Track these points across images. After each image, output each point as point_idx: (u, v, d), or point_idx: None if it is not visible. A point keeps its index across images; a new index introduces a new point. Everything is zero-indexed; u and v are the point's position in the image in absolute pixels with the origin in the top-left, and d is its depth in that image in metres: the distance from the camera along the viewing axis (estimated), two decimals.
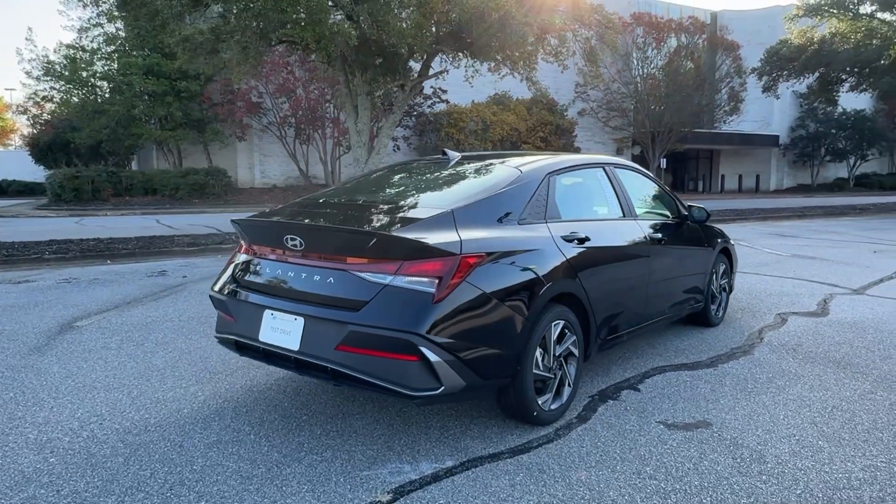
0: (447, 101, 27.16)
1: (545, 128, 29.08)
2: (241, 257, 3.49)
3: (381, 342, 2.75)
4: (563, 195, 3.76)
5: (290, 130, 25.57)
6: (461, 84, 21.32)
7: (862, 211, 20.31)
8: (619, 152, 36.01)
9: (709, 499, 2.61)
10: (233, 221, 3.48)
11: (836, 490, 2.68)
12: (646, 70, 32.30)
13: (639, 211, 4.41)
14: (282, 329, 3.07)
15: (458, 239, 2.91)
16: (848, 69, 23.07)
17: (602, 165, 4.30)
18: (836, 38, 22.19)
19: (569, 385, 3.45)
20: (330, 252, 3.01)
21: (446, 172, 3.90)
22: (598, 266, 3.68)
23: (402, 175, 4.11)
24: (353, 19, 9.41)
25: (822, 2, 22.15)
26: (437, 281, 2.77)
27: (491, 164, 3.87)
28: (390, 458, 2.96)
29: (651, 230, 4.36)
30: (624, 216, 4.22)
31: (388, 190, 3.90)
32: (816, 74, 25.29)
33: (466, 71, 14.13)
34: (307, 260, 3.08)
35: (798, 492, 2.67)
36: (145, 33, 21.03)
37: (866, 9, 22.24)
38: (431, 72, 12.31)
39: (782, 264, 9.05)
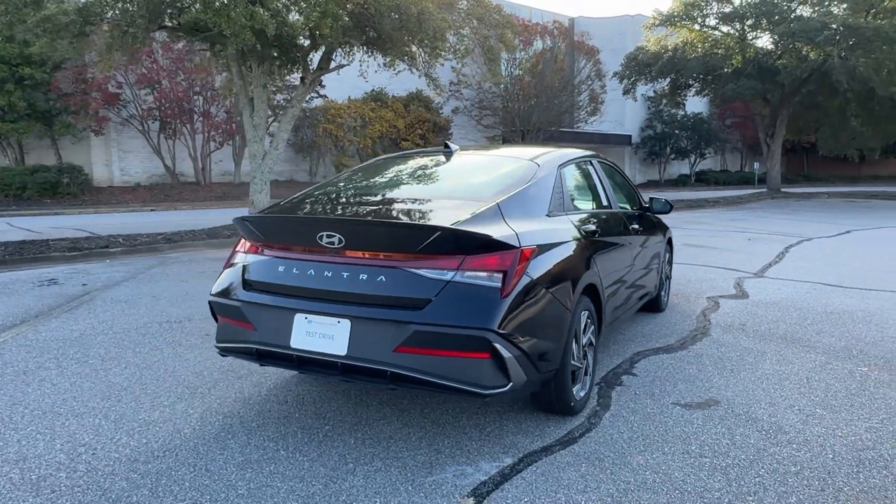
0: (325, 97, 26.52)
1: (423, 125, 29.31)
2: (251, 258, 3.17)
3: (449, 341, 2.63)
4: (571, 188, 3.81)
5: (155, 124, 23.65)
6: (337, 79, 20.77)
7: (715, 203, 22.54)
8: None
9: (763, 470, 2.77)
10: (239, 219, 3.16)
11: (859, 451, 2.96)
12: (514, 71, 33.57)
13: (617, 202, 4.59)
14: (321, 334, 2.84)
15: (514, 232, 2.85)
16: (695, 75, 25.48)
17: (590, 158, 4.41)
18: (687, 47, 24.44)
19: (589, 374, 3.51)
20: (377, 249, 2.82)
21: (458, 165, 3.82)
22: (605, 257, 3.78)
23: (413, 167, 3.97)
24: (263, 5, 8.85)
25: (675, 13, 24.29)
26: (502, 275, 2.70)
27: (500, 156, 3.85)
28: (446, 462, 2.85)
29: (628, 220, 4.55)
30: (611, 207, 4.36)
31: (408, 183, 3.75)
32: (668, 79, 27.61)
33: (361, 66, 13.86)
34: (347, 258, 2.87)
35: (831, 456, 2.91)
36: None
37: (711, 21, 24.70)
38: (332, 65, 11.94)
39: (679, 252, 9.81)
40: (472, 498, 2.54)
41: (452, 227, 2.70)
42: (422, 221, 2.88)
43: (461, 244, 2.70)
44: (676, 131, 43.77)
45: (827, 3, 22.08)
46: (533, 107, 33.46)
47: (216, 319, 3.33)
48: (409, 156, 4.25)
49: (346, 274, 2.84)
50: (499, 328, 2.61)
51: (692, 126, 43.42)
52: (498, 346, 2.62)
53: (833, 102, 26.12)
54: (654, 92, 33.91)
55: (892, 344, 4.72)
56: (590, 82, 35.61)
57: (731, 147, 47.54)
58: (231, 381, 3.87)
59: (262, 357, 3.05)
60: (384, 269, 2.78)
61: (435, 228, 2.69)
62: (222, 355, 3.33)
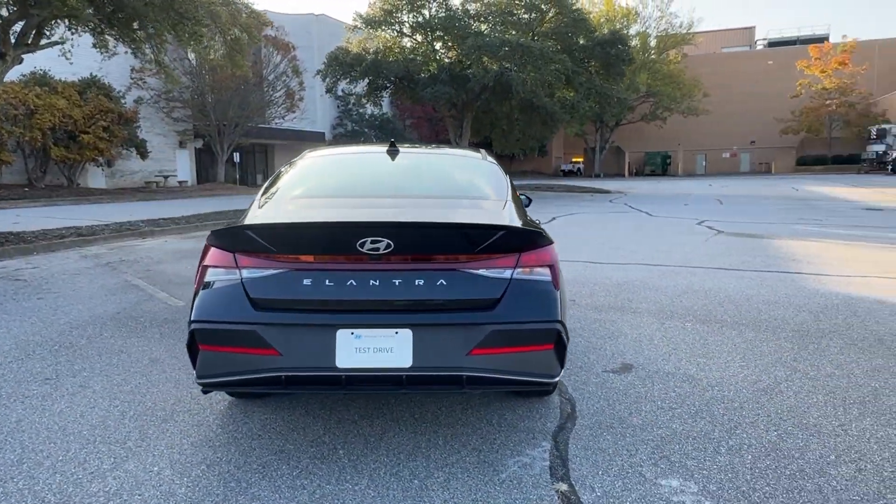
0: None
1: (106, 116, 25.65)
2: (256, 273, 2.71)
3: (523, 337, 2.69)
4: None
5: None
6: None
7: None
8: (181, 145, 34.29)
9: (695, 403, 3.45)
10: (245, 227, 2.68)
11: (753, 382, 3.85)
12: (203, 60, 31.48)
13: None
14: (376, 348, 2.61)
15: (540, 226, 3.00)
16: (395, 79, 27.29)
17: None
18: (388, 51, 26.04)
19: None
20: (431, 251, 2.70)
21: (423, 161, 3.77)
22: None
23: (377, 164, 3.78)
24: None
25: (375, 17, 25.66)
26: (550, 269, 2.84)
27: (451, 153, 3.91)
28: (497, 458, 2.89)
29: None
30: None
31: (394, 182, 3.61)
32: (366, 80, 29.01)
33: (65, 45, 11.68)
34: (396, 263, 2.68)
35: (734, 389, 3.74)
36: None
37: (407, 29, 26.71)
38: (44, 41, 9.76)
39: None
40: (562, 483, 2.66)
41: (512, 225, 2.74)
42: (473, 221, 2.84)
43: (517, 242, 2.76)
44: (366, 129, 46.08)
45: (500, 26, 25.70)
46: (229, 100, 31.87)
47: (194, 351, 2.76)
48: (365, 152, 4.03)
49: (398, 281, 2.66)
50: (561, 319, 2.77)
51: (379, 125, 46.22)
52: (563, 336, 2.77)
53: (503, 108, 30.42)
54: (343, 91, 35.30)
55: (690, 303, 6.02)
56: (286, 79, 35.30)
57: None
58: (198, 404, 3.21)
59: (293, 384, 2.66)
60: (442, 273, 2.69)
61: (498, 228, 2.70)
62: (205, 392, 2.78)
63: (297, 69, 33.69)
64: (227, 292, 2.71)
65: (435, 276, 2.68)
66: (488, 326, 2.64)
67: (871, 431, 3.13)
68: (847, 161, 52.52)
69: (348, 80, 27.65)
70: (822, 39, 60.87)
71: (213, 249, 2.84)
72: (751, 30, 70.78)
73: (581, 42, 26.45)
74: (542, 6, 26.34)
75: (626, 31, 44.82)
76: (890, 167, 43.15)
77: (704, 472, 2.75)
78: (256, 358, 2.65)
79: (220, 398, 3.59)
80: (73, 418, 3.33)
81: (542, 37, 26.41)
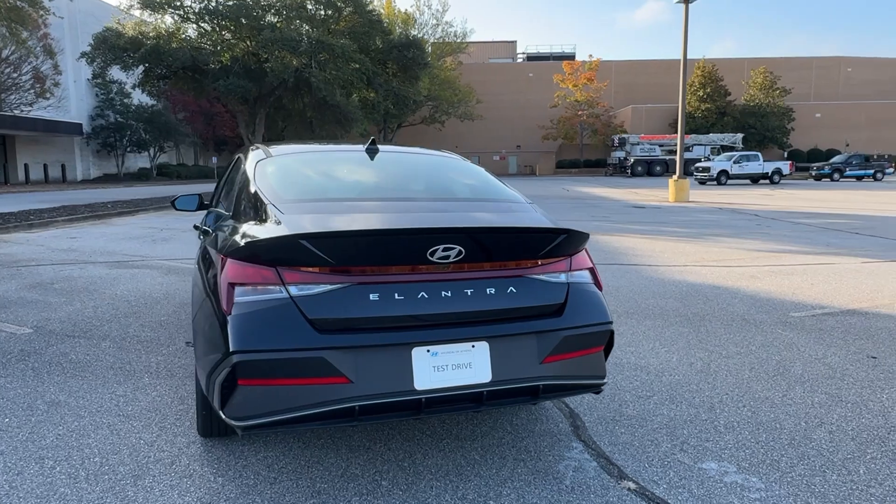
0: None
1: None
2: (311, 289, 2.31)
3: (586, 341, 2.67)
4: None
5: None
6: None
7: None
8: None
9: (666, 384, 3.78)
10: (299, 236, 2.25)
11: (706, 364, 4.28)
12: None
13: None
14: (454, 364, 2.41)
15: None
16: (179, 68, 24.96)
17: None
18: (171, 37, 23.67)
19: None
20: (500, 258, 2.55)
21: (416, 161, 3.52)
22: None
23: (369, 164, 3.48)
24: None
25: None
26: (591, 271, 2.86)
27: (440, 154, 3.79)
28: (546, 466, 2.85)
29: None
30: None
31: (424, 183, 3.40)
32: (143, 68, 26.16)
33: None
34: (465, 272, 2.48)
35: (686, 371, 4.14)
36: None
37: (191, 15, 24.55)
38: None
39: None
40: (626, 481, 2.71)
41: (570, 228, 2.69)
42: (535, 225, 2.72)
43: (571, 245, 2.73)
44: (133, 122, 41.46)
45: (296, 20, 24.91)
46: None
47: (229, 387, 2.27)
48: (340, 150, 3.59)
49: (469, 290, 2.47)
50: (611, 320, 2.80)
51: (149, 118, 41.92)
52: (613, 336, 2.81)
53: (297, 105, 29.60)
54: (101, 77, 31.34)
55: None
56: (33, 60, 30.29)
57: (190, 141, 47.85)
58: (182, 448, 2.60)
59: (367, 414, 2.32)
60: (511, 280, 2.56)
61: (558, 231, 2.63)
62: (243, 432, 2.32)
63: (50, 49, 29.08)
64: (277, 314, 2.28)
65: (505, 284, 2.55)
66: (560, 332, 2.59)
67: (809, 398, 3.67)
68: (595, 165, 60.30)
69: (121, 65, 24.67)
70: (571, 57, 69.06)
71: (239, 263, 2.38)
72: (513, 44, 77.71)
73: (378, 43, 26.75)
74: (339, 3, 26.10)
75: (392, 37, 46.37)
76: (629, 171, 50.52)
77: (726, 451, 2.99)
78: (322, 388, 2.28)
79: (191, 439, 3.01)
80: None
81: (338, 35, 26.15)
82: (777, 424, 3.30)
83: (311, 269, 2.34)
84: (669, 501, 2.54)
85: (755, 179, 36.54)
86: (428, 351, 2.39)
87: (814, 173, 40.86)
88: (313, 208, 2.66)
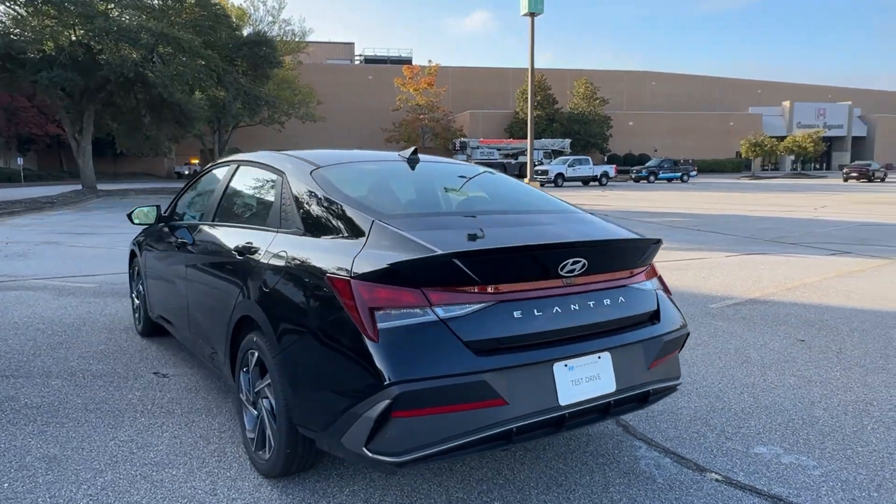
0: None
1: None
2: (461, 310, 2.20)
3: (675, 344, 2.81)
4: None
5: None
6: None
7: (34, 206, 20.21)
8: None
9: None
10: (450, 256, 2.12)
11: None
12: None
13: None
14: (587, 377, 2.43)
15: None
16: None
17: None
18: None
19: None
20: (614, 268, 2.61)
21: (472, 171, 3.45)
22: None
23: (448, 176, 3.58)
24: None
25: None
26: (660, 278, 3.01)
27: (470, 165, 3.69)
28: (623, 466, 2.96)
29: None
30: None
31: (494, 195, 3.36)
32: None
33: None
34: (585, 284, 2.50)
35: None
36: None
37: None
38: None
39: None
40: (710, 473, 2.89)
41: (660, 238, 2.81)
42: (633, 236, 2.78)
43: (654, 254, 2.85)
44: None
45: (133, 10, 22.74)
46: None
47: (382, 422, 2.10)
48: (386, 160, 3.35)
49: (591, 303, 2.51)
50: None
51: None
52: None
53: (129, 103, 27.11)
54: None
55: None
56: None
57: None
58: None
59: (523, 434, 2.26)
60: (620, 290, 2.64)
61: (652, 240, 2.74)
62: (397, 468, 2.15)
63: None
64: (432, 338, 2.15)
65: (616, 294, 2.62)
66: (661, 338, 2.71)
67: (785, 381, 4.15)
68: None
69: None
70: (408, 61, 70.26)
71: (376, 286, 2.20)
72: (351, 45, 77.21)
73: (225, 38, 25.25)
74: None
75: (239, 33, 44.19)
76: None
77: (763, 435, 3.31)
78: (481, 413, 2.19)
79: (256, 482, 2.70)
80: None
81: (180, 28, 24.27)
82: (780, 407, 3.70)
83: (453, 289, 2.23)
84: (759, 487, 2.77)
85: (586, 181, 39.81)
86: (566, 365, 2.38)
87: (634, 175, 45.45)
88: (427, 224, 2.52)
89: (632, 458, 3.04)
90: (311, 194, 2.82)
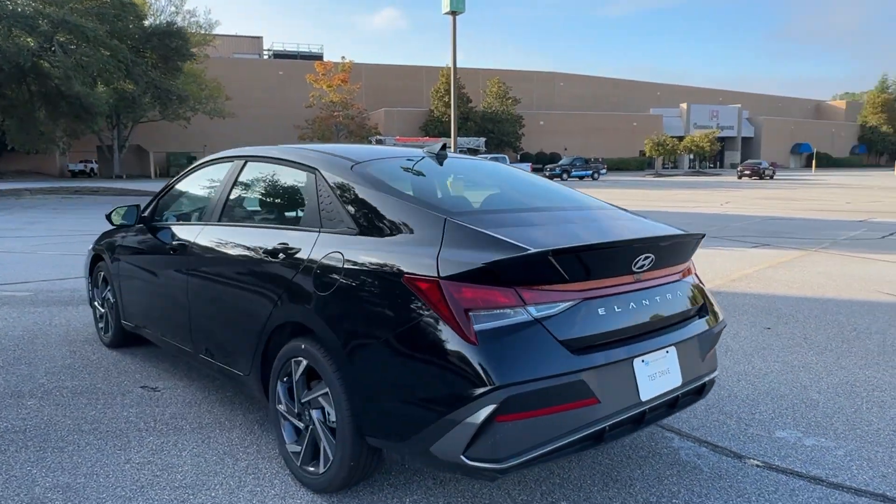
0: None
1: None
2: (553, 308, 2.15)
3: (718, 337, 2.88)
4: None
5: None
6: None
7: None
8: None
9: None
10: (546, 254, 2.06)
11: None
12: None
13: None
14: (660, 371, 2.44)
15: None
16: None
17: None
18: None
19: None
20: (674, 263, 2.65)
21: (501, 166, 3.37)
22: None
23: (489, 171, 3.50)
24: None
25: None
26: (695, 274, 3.07)
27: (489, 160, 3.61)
28: (671, 458, 3.01)
29: None
30: None
31: (536, 192, 3.31)
32: None
33: None
34: (652, 280, 2.52)
35: None
36: None
37: None
38: None
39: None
40: (750, 459, 2.99)
41: (703, 233, 2.86)
42: (681, 231, 2.79)
43: (696, 249, 2.91)
44: None
45: None
46: None
47: (485, 428, 2.01)
48: (401, 156, 3.18)
49: (658, 298, 2.53)
50: None
51: None
52: None
53: (20, 95, 25.09)
54: None
55: None
56: None
57: None
58: None
59: (614, 430, 2.24)
60: (677, 284, 2.68)
61: (701, 236, 2.79)
62: (499, 475, 2.07)
63: None
64: (532, 339, 2.08)
65: (675, 289, 2.66)
66: (711, 331, 2.77)
67: (771, 367, 4.37)
68: None
69: None
70: (319, 57, 68.80)
71: (469, 286, 2.11)
72: (259, 39, 74.68)
73: (131, 28, 23.77)
74: None
75: (147, 23, 41.78)
76: None
77: (778, 420, 3.46)
78: (578, 413, 2.15)
79: (307, 497, 2.53)
80: None
81: (82, 15, 22.61)
82: (779, 393, 3.89)
83: (543, 287, 2.18)
84: (798, 470, 2.89)
85: None
86: (643, 361, 2.39)
87: (548, 173, 46.72)
88: (498, 221, 2.44)
89: (670, 449, 3.10)
90: (360, 191, 2.67)
